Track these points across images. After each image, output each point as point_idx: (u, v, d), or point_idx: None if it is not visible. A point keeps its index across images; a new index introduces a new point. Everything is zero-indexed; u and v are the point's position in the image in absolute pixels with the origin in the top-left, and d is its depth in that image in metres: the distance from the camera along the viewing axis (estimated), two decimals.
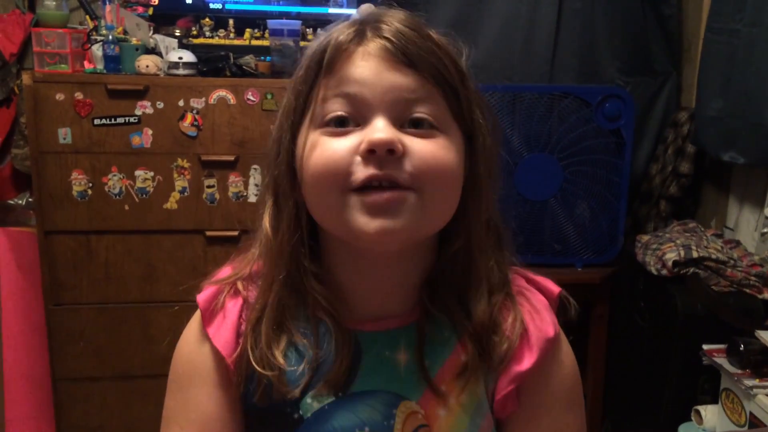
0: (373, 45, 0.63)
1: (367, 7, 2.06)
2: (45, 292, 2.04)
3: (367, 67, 0.62)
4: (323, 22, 2.28)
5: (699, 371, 1.77)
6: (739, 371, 1.61)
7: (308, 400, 0.66)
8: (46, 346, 2.08)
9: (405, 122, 0.62)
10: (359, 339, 0.67)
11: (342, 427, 0.65)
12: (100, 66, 2.01)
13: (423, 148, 0.62)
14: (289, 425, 0.66)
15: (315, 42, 0.67)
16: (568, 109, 2.13)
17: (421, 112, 0.63)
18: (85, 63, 2.04)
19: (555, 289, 0.72)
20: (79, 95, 1.94)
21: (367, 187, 0.61)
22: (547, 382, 0.68)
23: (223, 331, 0.68)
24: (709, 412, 1.72)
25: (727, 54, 2.01)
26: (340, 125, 0.63)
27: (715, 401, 1.71)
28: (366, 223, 0.61)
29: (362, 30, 0.64)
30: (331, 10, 2.29)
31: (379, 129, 0.60)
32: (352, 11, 2.16)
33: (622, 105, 2.13)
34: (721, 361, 1.66)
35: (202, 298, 0.71)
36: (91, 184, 1.99)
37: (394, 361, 0.67)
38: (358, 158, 0.61)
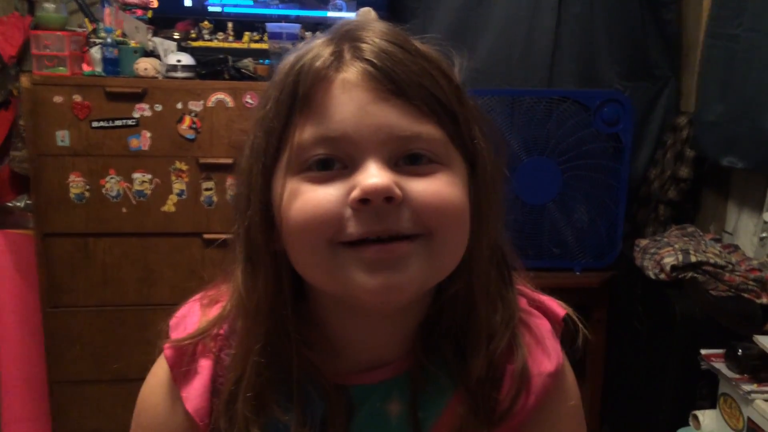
0: (354, 71, 0.53)
1: (366, 12, 2.07)
2: (42, 295, 2.03)
3: (349, 102, 0.53)
4: (322, 25, 2.28)
5: (697, 376, 1.76)
6: (737, 376, 1.61)
7: None
8: (43, 348, 2.07)
9: (400, 159, 0.54)
10: (351, 393, 0.60)
11: None
12: (98, 69, 2.00)
13: (425, 190, 0.53)
14: None
15: (284, 64, 0.57)
16: (567, 113, 2.13)
17: (417, 147, 0.54)
18: (84, 66, 2.03)
19: (560, 311, 0.65)
20: (77, 98, 1.94)
21: (362, 240, 0.53)
22: (549, 419, 0.63)
23: (196, 393, 0.62)
24: (708, 417, 1.71)
25: (727, 59, 2.01)
26: (324, 168, 0.53)
27: (713, 406, 1.71)
28: (366, 281, 0.53)
29: (339, 51, 0.55)
30: (330, 14, 2.29)
31: (373, 174, 0.51)
32: (351, 14, 2.17)
33: (621, 109, 2.13)
34: (719, 365, 1.66)
35: (170, 351, 0.64)
36: (88, 187, 1.99)
37: (386, 414, 0.61)
38: (349, 209, 0.52)
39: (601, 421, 2.32)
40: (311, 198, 0.53)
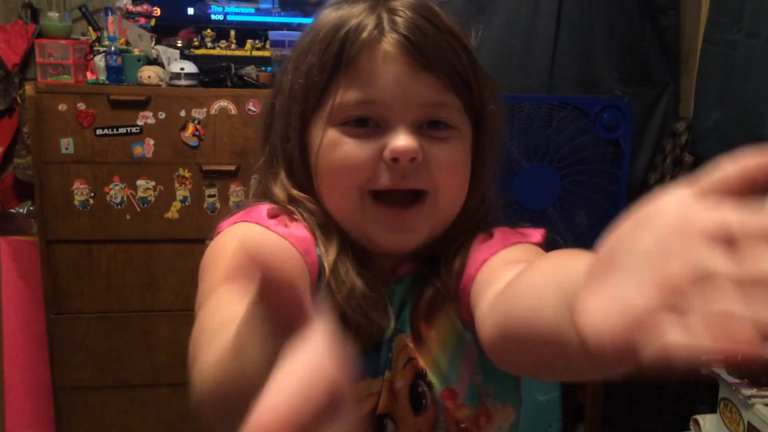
0: (392, 43, 0.62)
1: None
2: (46, 301, 2.04)
3: (388, 73, 0.62)
4: None
5: (698, 381, 1.77)
6: (737, 381, 1.62)
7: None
8: (47, 354, 2.08)
9: (423, 123, 0.64)
10: (389, 292, 0.69)
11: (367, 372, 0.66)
12: (102, 77, 2.02)
13: (440, 155, 0.64)
14: None
15: (326, 21, 0.65)
16: (567, 119, 2.15)
17: (438, 115, 0.64)
18: (88, 74, 2.05)
19: (536, 239, 0.69)
20: (81, 105, 1.96)
21: (385, 191, 0.63)
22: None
23: (299, 233, 0.64)
24: (708, 422, 1.72)
25: (725, 64, 2.03)
26: (360, 125, 0.63)
27: (713, 411, 1.72)
28: (384, 237, 0.65)
29: (380, 23, 0.63)
30: None
31: (403, 138, 0.62)
32: None
33: (620, 115, 2.14)
34: (719, 370, 1.67)
35: (269, 209, 0.66)
36: (92, 194, 2.00)
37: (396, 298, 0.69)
38: (381, 163, 0.62)
39: (603, 425, 2.32)
40: (350, 150, 0.63)
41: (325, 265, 0.64)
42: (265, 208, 0.67)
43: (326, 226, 0.66)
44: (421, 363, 0.67)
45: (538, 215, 2.18)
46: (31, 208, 2.23)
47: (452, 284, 0.67)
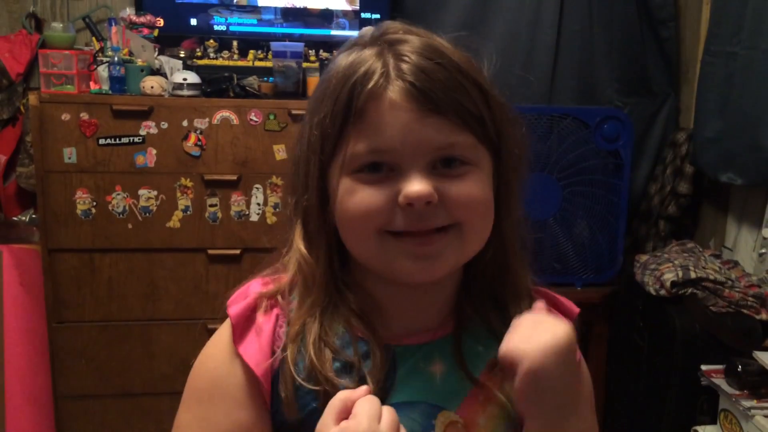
0: (398, 90, 0.63)
1: (367, 30, 2.10)
2: (48, 310, 2.05)
3: (396, 121, 0.62)
4: (326, 44, 2.31)
5: (698, 392, 1.77)
6: (737, 392, 1.62)
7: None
8: (49, 363, 2.09)
9: (437, 163, 0.64)
10: (395, 352, 0.68)
11: None
12: (105, 87, 2.04)
13: (458, 191, 0.64)
14: None
15: (337, 70, 0.66)
16: (567, 129, 2.16)
17: (452, 154, 0.64)
18: (91, 84, 2.07)
19: (575, 309, 0.76)
20: (84, 115, 1.97)
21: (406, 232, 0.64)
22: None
23: (256, 349, 0.68)
24: None
25: (725, 76, 2.04)
26: (374, 171, 0.64)
27: (714, 422, 1.72)
28: (409, 267, 0.64)
29: (386, 71, 0.64)
30: (333, 32, 2.32)
31: (416, 182, 0.62)
32: (354, 33, 2.19)
33: (621, 126, 2.15)
34: (719, 381, 1.67)
35: (234, 312, 0.70)
36: (95, 203, 2.01)
37: (430, 373, 0.68)
38: (396, 207, 0.63)
39: None
40: (365, 197, 0.64)
41: (288, 340, 0.68)
42: (254, 293, 0.71)
43: (318, 288, 0.68)
44: None
45: (539, 225, 2.19)
46: (33, 216, 2.24)
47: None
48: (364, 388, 0.62)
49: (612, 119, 2.16)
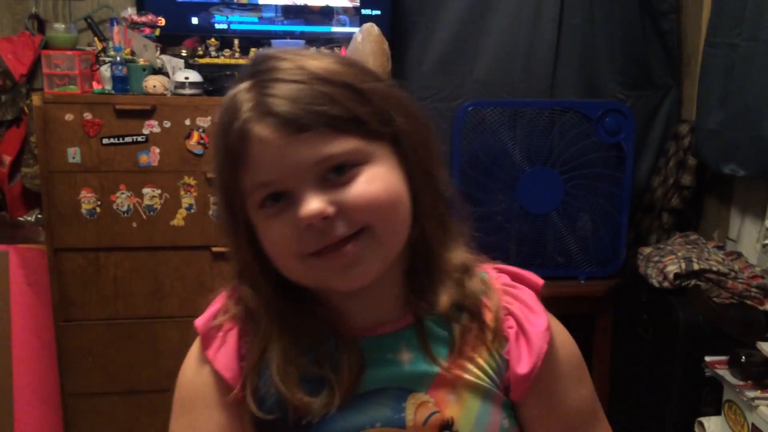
0: (266, 126, 0.63)
1: (369, 28, 2.10)
2: (54, 309, 2.07)
3: (268, 153, 0.63)
4: (327, 41, 2.32)
5: (702, 383, 1.78)
6: (741, 383, 1.62)
7: (316, 407, 0.68)
8: (56, 361, 2.11)
9: (328, 175, 0.64)
10: (361, 345, 0.70)
11: (352, 427, 0.68)
12: (108, 86, 2.05)
13: (354, 196, 0.64)
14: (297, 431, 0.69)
15: (220, 114, 0.68)
16: (569, 123, 2.16)
17: (336, 162, 0.64)
18: (94, 84, 2.08)
19: (539, 281, 0.76)
20: (87, 115, 1.98)
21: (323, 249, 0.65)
22: (553, 369, 0.72)
23: (223, 354, 0.71)
24: (713, 424, 1.73)
25: (726, 68, 2.03)
26: (275, 200, 0.65)
27: (718, 413, 1.72)
28: (337, 280, 0.66)
29: (251, 105, 0.64)
30: (334, 29, 2.33)
31: (306, 203, 0.63)
32: (355, 29, 2.20)
33: (623, 119, 2.15)
34: (723, 372, 1.67)
35: (199, 322, 0.74)
36: (99, 202, 2.02)
37: (398, 361, 0.70)
38: (304, 231, 0.64)
39: None
40: (275, 231, 0.65)
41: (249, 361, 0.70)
42: (217, 303, 0.75)
43: (262, 311, 0.70)
44: (448, 413, 0.69)
45: (541, 219, 2.19)
46: (38, 216, 2.25)
47: (485, 333, 0.71)
48: None
49: (614, 112, 2.15)
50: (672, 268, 1.89)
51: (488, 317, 0.71)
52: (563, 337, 0.75)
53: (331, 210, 0.63)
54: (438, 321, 0.71)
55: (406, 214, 0.68)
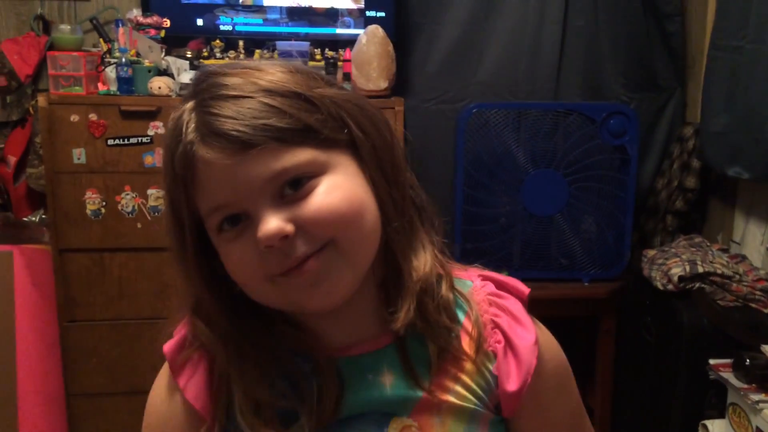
0: (209, 149, 0.60)
1: (374, 30, 2.10)
2: (59, 309, 2.07)
3: (215, 176, 0.60)
4: (331, 42, 2.32)
5: (706, 386, 1.77)
6: (746, 386, 1.62)
7: None
8: (60, 362, 2.11)
9: (284, 189, 0.60)
10: (340, 365, 0.66)
11: None
12: (113, 88, 2.05)
13: (312, 211, 0.60)
14: None
15: (167, 138, 0.63)
16: (573, 125, 2.16)
17: (291, 176, 0.60)
18: (99, 85, 2.08)
19: (525, 289, 0.72)
20: (93, 116, 1.98)
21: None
22: (543, 383, 0.69)
23: (194, 383, 0.68)
24: (717, 427, 1.72)
25: (731, 70, 2.03)
26: (234, 223, 0.61)
27: (722, 416, 1.72)
28: (307, 299, 0.62)
29: (193, 128, 0.61)
30: (339, 31, 2.33)
31: (263, 224, 0.59)
32: (360, 31, 2.20)
33: (627, 121, 2.15)
34: (728, 375, 1.67)
35: (168, 348, 0.70)
36: (104, 203, 2.03)
37: (379, 383, 0.66)
38: (266, 253, 0.60)
39: (611, 430, 2.32)
40: (237, 255, 0.61)
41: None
42: (184, 330, 0.71)
43: (220, 348, 0.66)
44: None
45: (545, 221, 2.19)
46: (43, 216, 2.26)
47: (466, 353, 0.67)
48: None
49: (618, 114, 2.15)
50: (676, 271, 1.89)
51: (469, 331, 0.68)
52: (551, 347, 0.72)
53: (289, 228, 0.59)
54: (421, 338, 0.67)
55: (372, 222, 0.64)
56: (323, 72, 0.69)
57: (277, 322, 0.66)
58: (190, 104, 0.62)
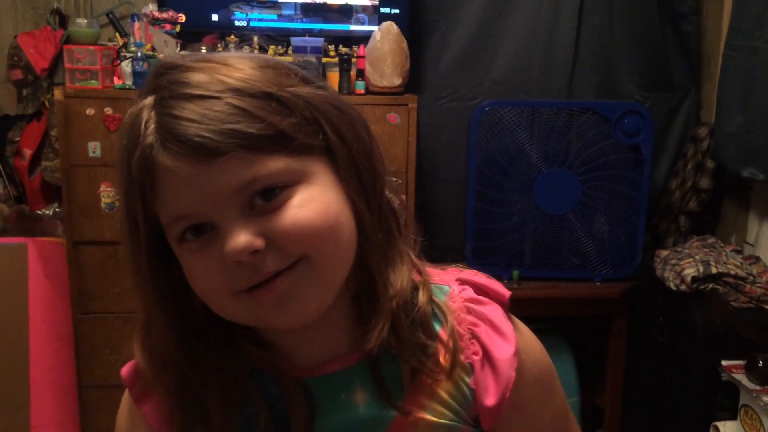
0: (167, 153, 0.54)
1: (388, 26, 2.10)
2: (73, 301, 2.09)
3: (178, 184, 0.54)
4: (345, 39, 2.32)
5: (718, 387, 1.77)
6: (758, 387, 1.61)
7: None
8: (73, 353, 2.13)
9: (254, 199, 0.55)
10: (309, 386, 0.62)
11: None
12: (129, 82, 2.06)
13: (285, 224, 0.55)
14: None
15: (124, 136, 0.57)
16: (587, 124, 2.15)
17: (261, 186, 0.55)
18: (115, 79, 2.10)
19: (506, 292, 0.68)
20: (108, 110, 2.00)
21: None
22: (524, 393, 0.66)
23: (155, 409, 0.65)
24: (728, 429, 1.72)
25: (747, 70, 2.02)
26: (197, 233, 0.56)
27: (734, 417, 1.72)
28: (274, 317, 0.57)
29: (153, 131, 0.55)
30: (353, 27, 2.33)
31: (230, 238, 0.54)
32: (374, 28, 2.20)
33: (641, 121, 2.14)
34: (740, 377, 1.66)
35: (125, 373, 0.67)
36: (118, 197, 2.03)
37: (352, 403, 0.62)
38: (233, 267, 0.55)
39: (621, 431, 2.32)
40: (201, 269, 0.56)
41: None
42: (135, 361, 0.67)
43: (171, 380, 0.62)
44: None
45: (558, 220, 2.19)
46: (57, 209, 2.28)
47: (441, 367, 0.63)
48: None
49: (632, 114, 2.15)
50: (690, 272, 1.88)
51: (445, 342, 0.63)
52: (533, 351, 0.68)
53: (259, 243, 0.54)
54: (394, 355, 0.63)
55: (349, 236, 0.59)
56: (298, 67, 0.62)
57: (242, 339, 0.62)
58: (149, 100, 0.56)
